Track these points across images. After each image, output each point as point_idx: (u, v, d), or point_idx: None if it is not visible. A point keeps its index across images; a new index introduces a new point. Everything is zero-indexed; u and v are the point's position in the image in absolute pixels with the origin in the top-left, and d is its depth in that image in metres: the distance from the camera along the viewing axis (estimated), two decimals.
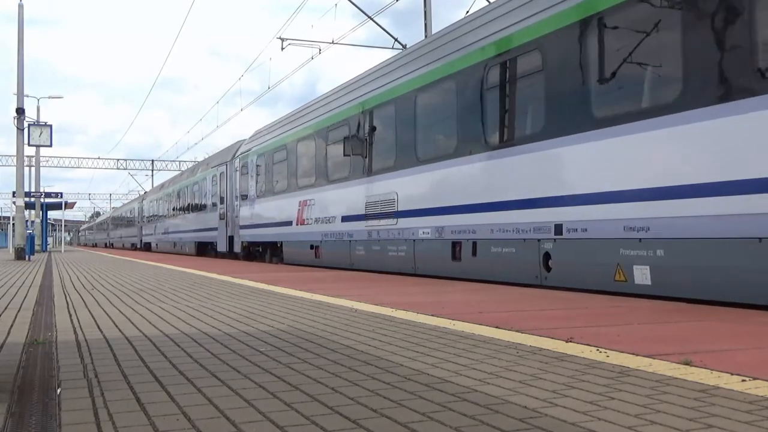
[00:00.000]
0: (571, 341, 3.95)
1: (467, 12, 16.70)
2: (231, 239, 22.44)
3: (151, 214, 42.55)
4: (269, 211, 18.44)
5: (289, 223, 16.72)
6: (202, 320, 5.34)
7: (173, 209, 34.42)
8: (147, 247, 43.68)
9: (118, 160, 70.33)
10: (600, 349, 3.67)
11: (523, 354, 3.60)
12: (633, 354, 3.52)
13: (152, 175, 70.14)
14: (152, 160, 70.40)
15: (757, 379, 2.89)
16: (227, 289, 8.55)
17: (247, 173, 20.42)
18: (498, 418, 2.36)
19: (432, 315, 5.35)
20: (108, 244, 73.18)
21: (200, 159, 49.88)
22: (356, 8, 20.98)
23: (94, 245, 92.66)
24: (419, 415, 2.42)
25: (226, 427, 2.29)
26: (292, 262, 16.95)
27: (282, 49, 22.29)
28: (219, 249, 23.89)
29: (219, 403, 2.63)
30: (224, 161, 23.79)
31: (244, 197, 20.73)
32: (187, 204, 30.66)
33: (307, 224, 15.60)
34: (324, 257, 14.88)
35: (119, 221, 62.86)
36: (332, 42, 22.50)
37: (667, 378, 2.95)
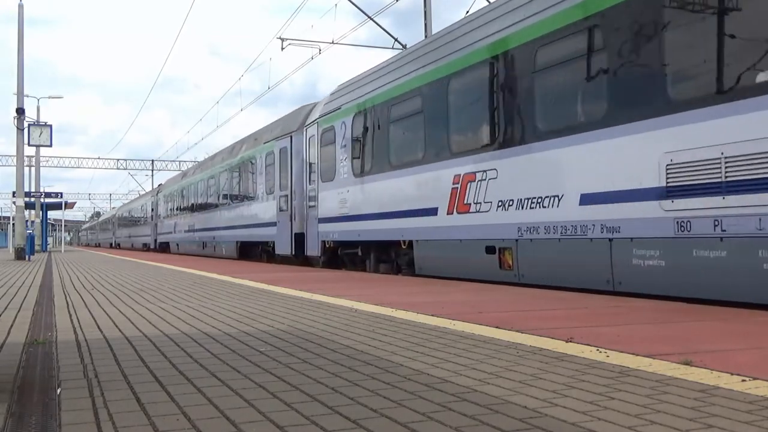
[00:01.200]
0: (571, 341, 3.95)
1: (467, 12, 16.71)
2: (299, 238, 16.12)
3: (169, 209, 35.55)
4: (384, 195, 12.21)
5: (432, 212, 10.65)
6: (202, 320, 5.34)
7: (202, 201, 27.89)
8: (164, 248, 37.17)
9: (118, 160, 70.40)
10: (600, 349, 3.67)
11: (523, 354, 3.60)
12: (633, 354, 3.52)
13: (152, 175, 70.15)
14: (152, 160, 70.42)
15: (757, 379, 2.89)
16: (227, 289, 8.55)
17: (334, 143, 14.21)
18: (498, 418, 2.36)
19: (432, 315, 5.35)
20: (114, 245, 66.75)
21: (200, 159, 48.60)
22: (356, 8, 20.98)
23: (98, 245, 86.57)
24: (419, 415, 2.42)
25: (226, 427, 2.29)
26: (435, 274, 10.66)
27: (282, 49, 22.30)
28: (279, 251, 17.30)
29: (219, 403, 2.63)
30: (287, 132, 17.42)
31: (328, 179, 14.51)
32: (223, 193, 24.43)
33: (478, 211, 9.51)
34: (524, 267, 8.64)
35: (127, 219, 55.74)
36: (332, 42, 22.51)
37: (667, 378, 2.95)
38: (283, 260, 18.03)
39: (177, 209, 33.57)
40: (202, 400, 2.67)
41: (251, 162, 20.56)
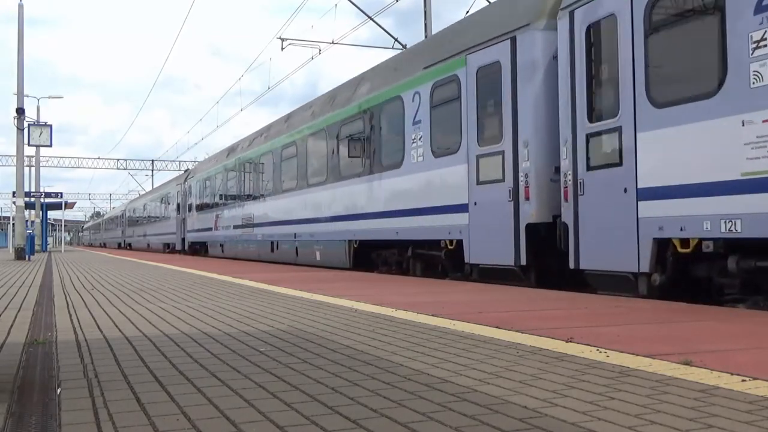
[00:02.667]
0: (571, 341, 3.95)
1: (467, 12, 16.68)
2: (531, 230, 8.67)
3: (207, 199, 26.47)
4: None
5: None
6: (202, 320, 5.34)
7: (275, 181, 18.14)
8: (196, 250, 28.72)
9: (118, 160, 70.39)
10: (600, 349, 3.67)
11: (523, 354, 3.60)
12: (633, 354, 3.52)
13: (152, 175, 70.09)
14: (152, 160, 70.40)
15: (757, 379, 2.89)
16: (227, 289, 8.55)
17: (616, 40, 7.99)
18: (498, 418, 2.36)
19: (432, 315, 5.35)
20: (123, 245, 57.29)
21: (200, 159, 45.90)
22: (357, 8, 20.98)
23: (103, 245, 78.18)
24: (419, 415, 2.42)
25: (226, 427, 2.29)
26: None
27: (282, 49, 22.29)
28: (480, 259, 9.55)
29: (219, 403, 2.63)
30: (501, 33, 9.43)
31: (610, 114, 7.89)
32: (316, 167, 15.32)
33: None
34: None
35: (141, 214, 46.00)
36: (332, 42, 22.51)
37: (667, 378, 2.95)
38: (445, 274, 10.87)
39: (221, 197, 24.08)
40: (202, 400, 2.67)
41: (386, 109, 12.21)
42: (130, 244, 52.63)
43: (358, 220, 13.06)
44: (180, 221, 31.30)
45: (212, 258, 24.09)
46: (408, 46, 19.69)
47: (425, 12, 19.54)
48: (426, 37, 18.88)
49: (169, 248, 34.73)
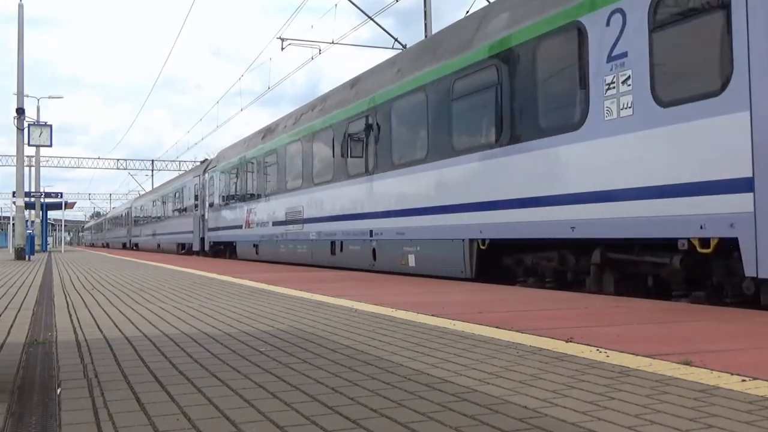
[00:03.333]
0: (571, 341, 3.95)
1: (467, 12, 16.67)
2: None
3: (235, 192, 22.15)
4: None
5: None
6: (202, 320, 5.34)
7: (332, 169, 14.38)
8: (218, 252, 24.85)
9: (117, 160, 70.38)
10: (600, 349, 3.67)
11: (523, 354, 3.60)
12: (633, 354, 3.52)
13: (152, 175, 70.11)
14: (152, 160, 70.42)
15: (757, 379, 2.89)
16: (227, 289, 8.55)
17: None
18: (498, 418, 2.36)
19: (432, 315, 5.35)
20: (129, 245, 52.10)
21: (200, 159, 44.43)
22: (357, 8, 20.98)
23: (105, 246, 73.01)
24: (419, 415, 2.42)
25: (226, 427, 2.29)
26: None
27: (282, 49, 22.30)
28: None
29: (219, 403, 2.63)
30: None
31: None
32: (437, 138, 10.69)
33: None
34: None
35: (151, 211, 41.15)
36: (332, 42, 22.52)
37: (667, 378, 2.95)
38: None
39: (256, 188, 19.84)
40: (202, 400, 2.67)
41: (546, 46, 8.40)
42: (136, 245, 47.53)
43: (488, 211, 9.28)
44: (198, 218, 27.01)
45: (242, 261, 20.28)
46: (408, 46, 19.69)
47: (425, 12, 19.54)
48: (426, 37, 18.86)
49: (184, 249, 30.39)
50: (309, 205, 15.51)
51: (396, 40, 20.78)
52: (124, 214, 56.83)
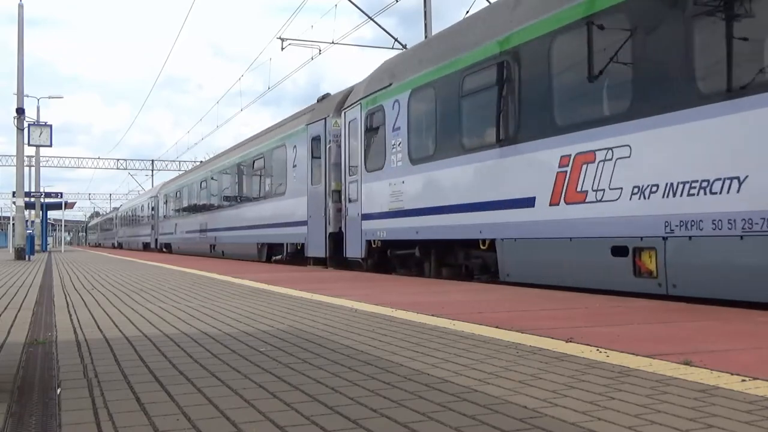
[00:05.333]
0: (571, 341, 3.95)
1: (467, 12, 16.65)
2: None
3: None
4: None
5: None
6: (202, 320, 5.34)
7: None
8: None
9: (118, 160, 70.40)
10: (600, 349, 3.67)
11: (523, 354, 3.60)
12: (633, 354, 3.52)
13: (152, 175, 70.06)
14: (152, 160, 70.43)
15: (757, 379, 2.89)
16: (227, 289, 8.55)
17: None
18: (498, 418, 2.36)
19: (432, 315, 5.35)
20: (155, 246, 38.96)
21: (201, 159, 40.60)
22: (357, 9, 20.97)
23: (116, 246, 60.67)
24: (419, 415, 2.42)
25: (226, 427, 2.29)
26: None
27: (282, 49, 22.27)
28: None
29: (219, 403, 2.63)
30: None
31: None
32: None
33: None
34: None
35: (194, 199, 29.43)
36: (332, 42, 22.51)
37: (667, 378, 2.96)
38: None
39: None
40: (202, 400, 2.67)
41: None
42: (167, 246, 35.38)
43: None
44: (317, 202, 15.06)
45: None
46: (408, 47, 19.69)
47: (425, 12, 19.53)
48: (426, 38, 18.87)
49: (285, 255, 17.41)
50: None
51: (396, 40, 20.77)
52: (142, 208, 44.26)
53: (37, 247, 34.96)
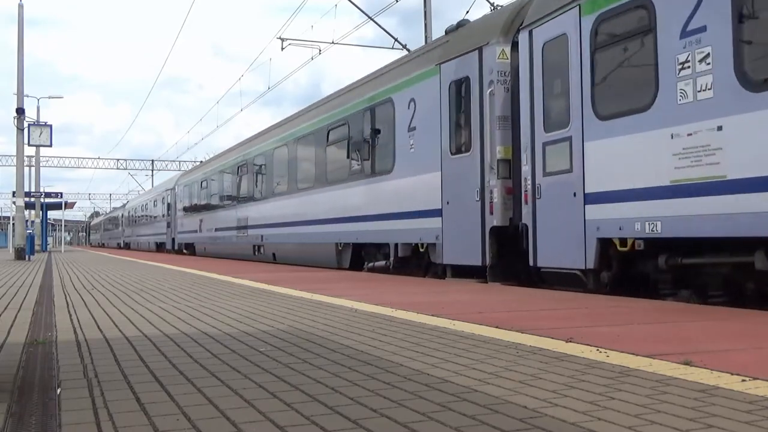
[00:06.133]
0: (571, 341, 3.95)
1: (467, 12, 16.63)
2: None
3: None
4: None
5: None
6: (202, 320, 5.34)
7: None
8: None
9: (118, 160, 70.38)
10: (600, 349, 3.67)
11: (523, 354, 3.60)
12: (633, 354, 3.52)
13: (152, 175, 70.02)
14: (152, 160, 70.41)
15: (757, 379, 2.89)
16: (227, 289, 8.55)
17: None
18: (498, 418, 2.36)
19: (432, 315, 5.35)
20: (171, 246, 33.60)
21: (201, 159, 40.85)
22: (357, 9, 20.97)
23: (123, 246, 54.87)
24: (419, 415, 2.42)
25: (226, 427, 2.29)
26: None
27: (282, 49, 22.26)
28: None
29: (219, 403, 2.63)
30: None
31: None
32: None
33: None
34: None
35: (225, 190, 24.19)
36: (332, 42, 22.51)
37: (667, 378, 2.95)
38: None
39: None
40: (202, 400, 2.67)
41: None
42: (189, 246, 29.76)
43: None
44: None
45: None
46: (407, 46, 19.68)
47: (425, 12, 19.53)
48: (426, 38, 18.87)
49: (390, 260, 12.22)
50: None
51: (396, 40, 20.76)
52: (158, 200, 37.87)
53: (37, 247, 34.96)
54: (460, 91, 10.08)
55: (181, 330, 4.79)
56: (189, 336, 4.49)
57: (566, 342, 3.94)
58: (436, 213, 10.45)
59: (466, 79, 9.90)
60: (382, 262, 12.44)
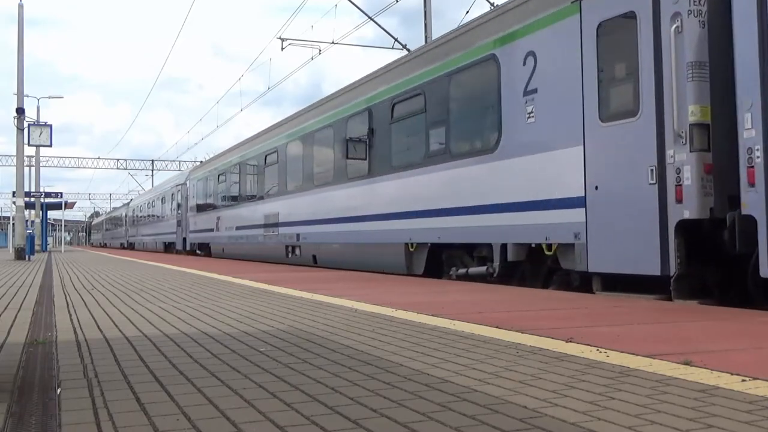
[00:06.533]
0: (571, 341, 3.95)
1: (467, 12, 16.59)
2: None
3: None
4: None
5: None
6: (202, 320, 5.34)
7: None
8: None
9: (118, 160, 70.38)
10: (600, 349, 3.67)
11: (523, 354, 3.60)
12: (633, 354, 3.52)
13: (152, 175, 70.02)
14: (152, 160, 70.41)
15: (757, 379, 2.89)
16: (227, 289, 8.55)
17: None
18: (498, 418, 2.36)
19: (432, 315, 5.35)
20: (182, 247, 30.33)
21: (200, 159, 39.45)
22: (357, 9, 20.97)
23: (127, 246, 51.65)
24: (419, 415, 2.42)
25: (226, 427, 2.29)
26: None
27: (282, 49, 22.26)
28: None
29: (219, 403, 2.63)
30: None
31: None
32: None
33: None
34: None
35: (234, 186, 22.37)
36: (332, 42, 22.50)
37: (667, 378, 2.95)
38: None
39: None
40: (202, 400, 2.67)
41: None
42: (204, 247, 27.00)
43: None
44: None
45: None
46: (407, 46, 19.68)
47: (425, 12, 19.54)
48: (426, 38, 18.89)
49: (494, 267, 9.13)
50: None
51: (396, 40, 20.76)
52: (169, 194, 33.92)
53: (37, 247, 34.96)
54: (617, 33, 7.29)
55: (181, 330, 4.79)
56: (189, 336, 4.49)
57: (566, 342, 3.94)
58: (576, 202, 7.73)
59: (630, 14, 7.08)
60: (480, 269, 9.44)
